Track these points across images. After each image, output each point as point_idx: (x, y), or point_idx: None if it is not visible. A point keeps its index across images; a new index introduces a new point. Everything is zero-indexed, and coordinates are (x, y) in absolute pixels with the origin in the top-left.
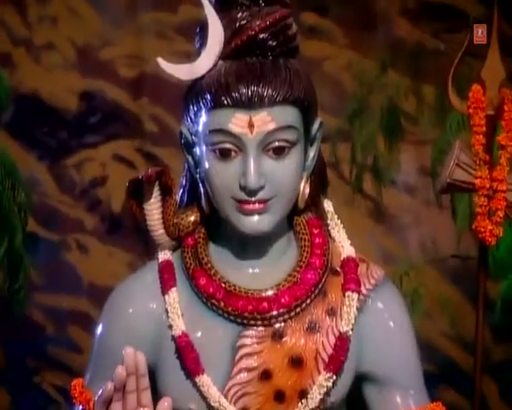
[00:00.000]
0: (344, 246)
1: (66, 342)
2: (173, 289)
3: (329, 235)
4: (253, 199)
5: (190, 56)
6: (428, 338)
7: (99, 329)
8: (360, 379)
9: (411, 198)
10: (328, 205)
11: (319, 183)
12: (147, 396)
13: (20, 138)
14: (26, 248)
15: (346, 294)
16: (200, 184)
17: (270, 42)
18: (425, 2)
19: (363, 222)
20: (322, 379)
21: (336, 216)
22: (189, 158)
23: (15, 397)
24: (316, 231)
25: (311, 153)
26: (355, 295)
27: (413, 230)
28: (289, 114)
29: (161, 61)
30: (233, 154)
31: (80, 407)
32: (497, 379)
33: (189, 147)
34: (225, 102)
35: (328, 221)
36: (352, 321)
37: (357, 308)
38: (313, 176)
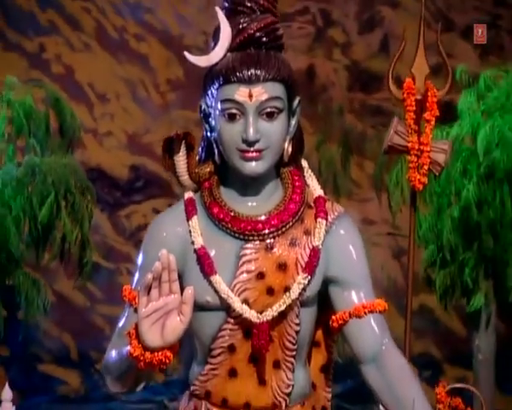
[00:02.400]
0: (316, 189)
1: None
2: (195, 216)
3: (305, 183)
4: (252, 149)
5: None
6: None
7: (142, 249)
8: (327, 283)
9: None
10: (304, 162)
11: (298, 145)
12: (176, 286)
13: None
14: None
15: (318, 220)
16: (214, 144)
17: (264, 38)
18: (366, 104)
19: None
20: (301, 278)
21: (310, 170)
22: (206, 125)
23: (84, 379)
24: (296, 178)
25: (293, 122)
26: (323, 221)
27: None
28: (277, 89)
29: (187, 55)
30: (237, 117)
31: (128, 303)
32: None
33: (206, 117)
34: (232, 79)
35: (305, 173)
36: (322, 239)
37: (326, 231)
38: (294, 140)
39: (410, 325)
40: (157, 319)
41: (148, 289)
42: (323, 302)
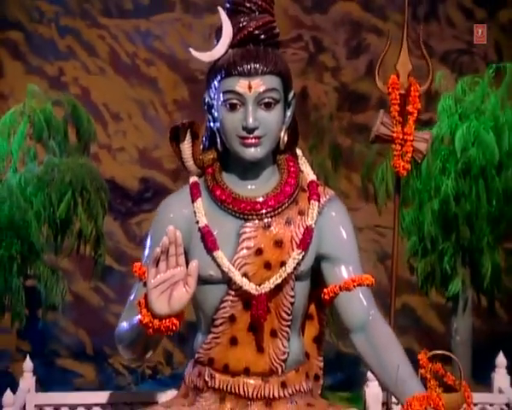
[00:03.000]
0: (309, 174)
1: None
2: (199, 199)
3: (300, 169)
4: (251, 136)
5: None
6: None
7: (151, 228)
8: (319, 260)
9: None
10: (298, 151)
11: (293, 135)
12: (182, 260)
13: None
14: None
15: (311, 202)
16: (217, 133)
17: (262, 36)
18: (353, 122)
19: None
20: (295, 254)
21: (304, 157)
22: (209, 116)
23: (99, 372)
24: (291, 164)
25: (288, 113)
26: (316, 203)
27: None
28: (274, 81)
29: (192, 51)
30: (238, 107)
31: (138, 279)
32: None
33: (209, 108)
34: (233, 72)
35: (299, 160)
36: (315, 219)
37: (318, 212)
38: (290, 130)
39: (395, 322)
40: (164, 289)
41: (157, 263)
42: (316, 278)
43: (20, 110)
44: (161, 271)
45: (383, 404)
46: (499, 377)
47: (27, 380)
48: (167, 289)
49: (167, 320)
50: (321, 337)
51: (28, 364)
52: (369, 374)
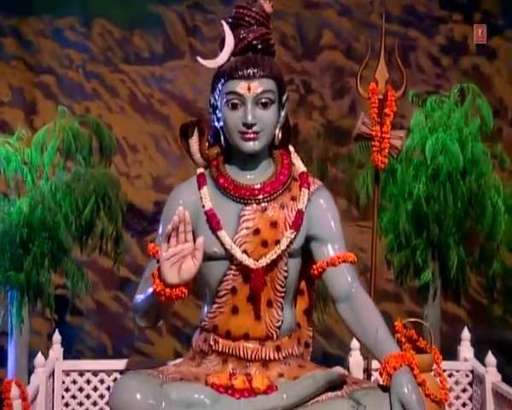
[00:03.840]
0: (300, 166)
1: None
2: (205, 186)
3: (292, 162)
4: (250, 131)
5: None
6: None
7: (163, 213)
8: (309, 240)
9: None
10: (291, 147)
11: (287, 133)
12: (190, 236)
13: None
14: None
15: (302, 189)
16: (220, 131)
17: (259, 45)
18: (338, 154)
19: None
20: (288, 233)
21: (296, 153)
22: (214, 116)
23: None
24: (285, 158)
25: (282, 113)
26: (306, 190)
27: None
28: (270, 84)
29: (200, 59)
30: (238, 106)
31: (152, 256)
32: None
33: (214, 109)
34: (235, 76)
35: (291, 155)
36: (305, 204)
37: (308, 199)
38: (283, 128)
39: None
40: (175, 262)
41: (168, 239)
42: (306, 258)
43: (51, 128)
44: (172, 246)
45: (364, 371)
46: (464, 348)
47: (56, 350)
48: (177, 261)
49: (177, 289)
50: (310, 310)
51: (57, 337)
52: (353, 343)
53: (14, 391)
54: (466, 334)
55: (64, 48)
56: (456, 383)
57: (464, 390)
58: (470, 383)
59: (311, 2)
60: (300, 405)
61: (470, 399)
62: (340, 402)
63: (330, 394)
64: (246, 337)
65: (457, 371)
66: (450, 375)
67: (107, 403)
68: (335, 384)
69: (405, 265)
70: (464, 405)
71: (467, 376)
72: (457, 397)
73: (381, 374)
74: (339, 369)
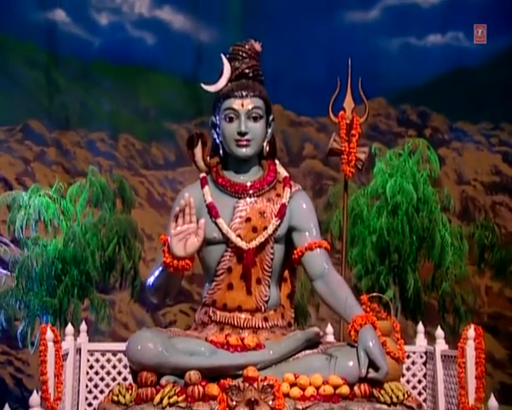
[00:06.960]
0: (284, 173)
1: None
2: (206, 186)
3: (277, 170)
4: (243, 138)
5: None
6: None
7: (172, 208)
8: (291, 231)
9: None
10: (276, 160)
11: (273, 148)
12: (194, 218)
13: None
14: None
15: (285, 188)
16: (220, 144)
17: (251, 74)
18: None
19: None
20: (274, 221)
21: (280, 164)
22: (214, 133)
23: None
24: (271, 165)
25: (269, 130)
26: (289, 189)
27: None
28: (259, 102)
29: (203, 85)
30: (234, 119)
31: (163, 245)
32: None
33: (214, 126)
34: (231, 95)
35: (277, 165)
36: (288, 200)
37: (290, 197)
38: (270, 143)
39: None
40: (182, 238)
41: (176, 219)
42: (289, 249)
43: (83, 184)
44: (179, 225)
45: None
46: (419, 337)
47: (83, 337)
48: (183, 238)
49: (183, 261)
50: (292, 294)
51: (83, 326)
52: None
53: (49, 334)
54: (420, 328)
55: (95, 156)
56: (413, 363)
57: (420, 370)
58: (424, 364)
59: (294, 121)
60: (284, 359)
61: (424, 376)
62: (316, 357)
63: (308, 351)
64: (239, 309)
65: (414, 352)
66: (408, 356)
67: (124, 379)
68: (312, 343)
69: (371, 287)
70: (420, 381)
71: (421, 357)
72: (414, 375)
73: (349, 332)
74: (315, 329)
